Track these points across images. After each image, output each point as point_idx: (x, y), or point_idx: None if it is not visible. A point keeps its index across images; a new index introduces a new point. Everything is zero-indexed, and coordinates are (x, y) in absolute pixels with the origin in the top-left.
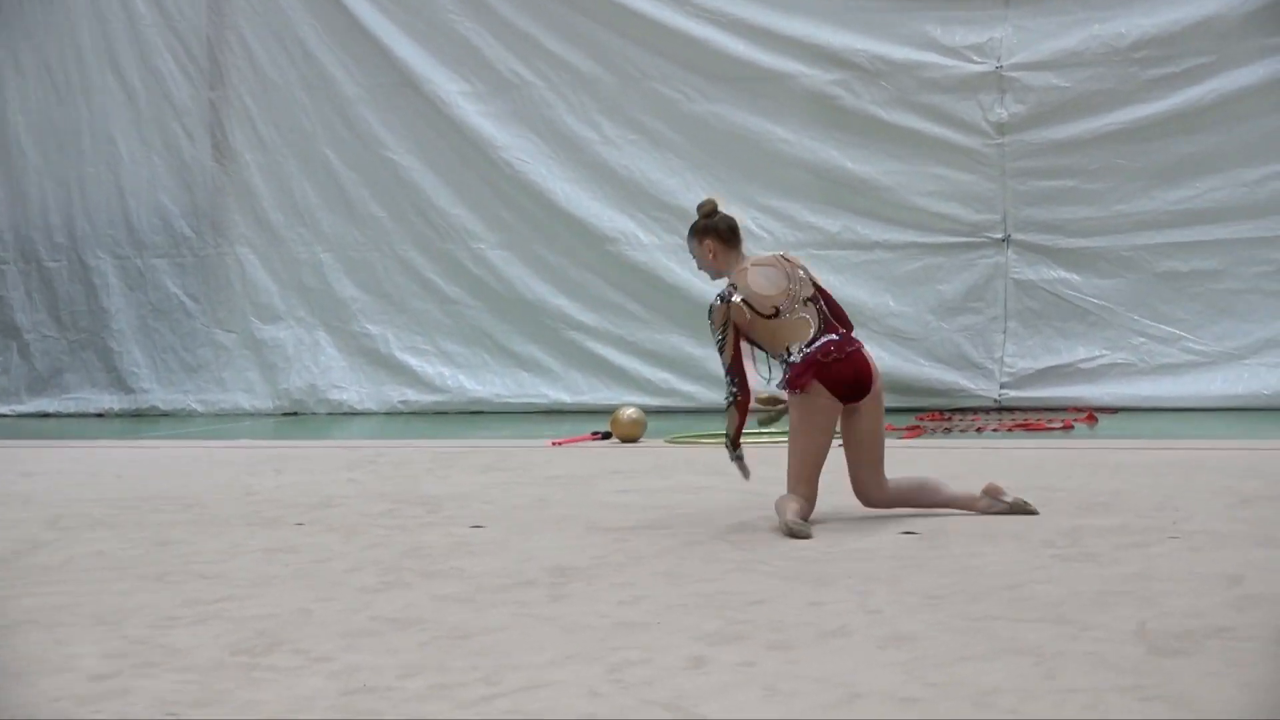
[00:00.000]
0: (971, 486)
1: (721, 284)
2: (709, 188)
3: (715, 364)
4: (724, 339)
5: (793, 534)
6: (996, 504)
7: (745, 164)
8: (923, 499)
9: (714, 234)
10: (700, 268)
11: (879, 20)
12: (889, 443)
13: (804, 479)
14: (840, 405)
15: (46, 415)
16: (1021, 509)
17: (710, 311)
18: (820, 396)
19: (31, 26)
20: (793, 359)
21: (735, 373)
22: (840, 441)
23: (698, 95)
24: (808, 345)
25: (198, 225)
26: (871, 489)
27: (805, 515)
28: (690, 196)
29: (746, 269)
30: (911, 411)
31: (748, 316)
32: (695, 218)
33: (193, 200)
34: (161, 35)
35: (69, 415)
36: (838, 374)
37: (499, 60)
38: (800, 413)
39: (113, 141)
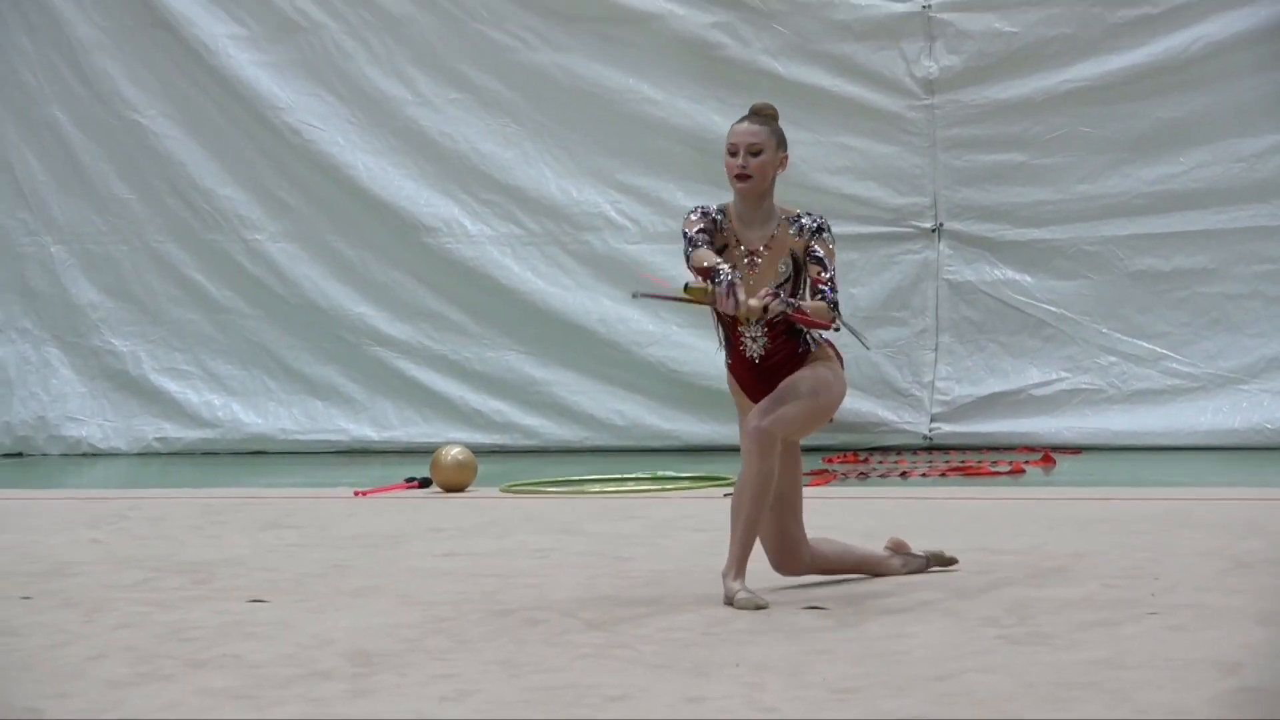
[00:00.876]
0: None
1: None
2: (556, 161)
3: (564, 389)
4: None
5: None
6: (911, 561)
7: (601, 131)
8: (832, 563)
9: (786, 146)
10: (757, 179)
11: None
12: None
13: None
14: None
15: None
16: (938, 560)
17: (828, 228)
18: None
19: None
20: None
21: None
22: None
23: (538, 41)
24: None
25: None
26: (799, 550)
27: None
28: (532, 172)
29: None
30: (819, 452)
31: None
32: (541, 202)
33: None
34: None
35: None
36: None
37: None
38: (835, 377)
39: None
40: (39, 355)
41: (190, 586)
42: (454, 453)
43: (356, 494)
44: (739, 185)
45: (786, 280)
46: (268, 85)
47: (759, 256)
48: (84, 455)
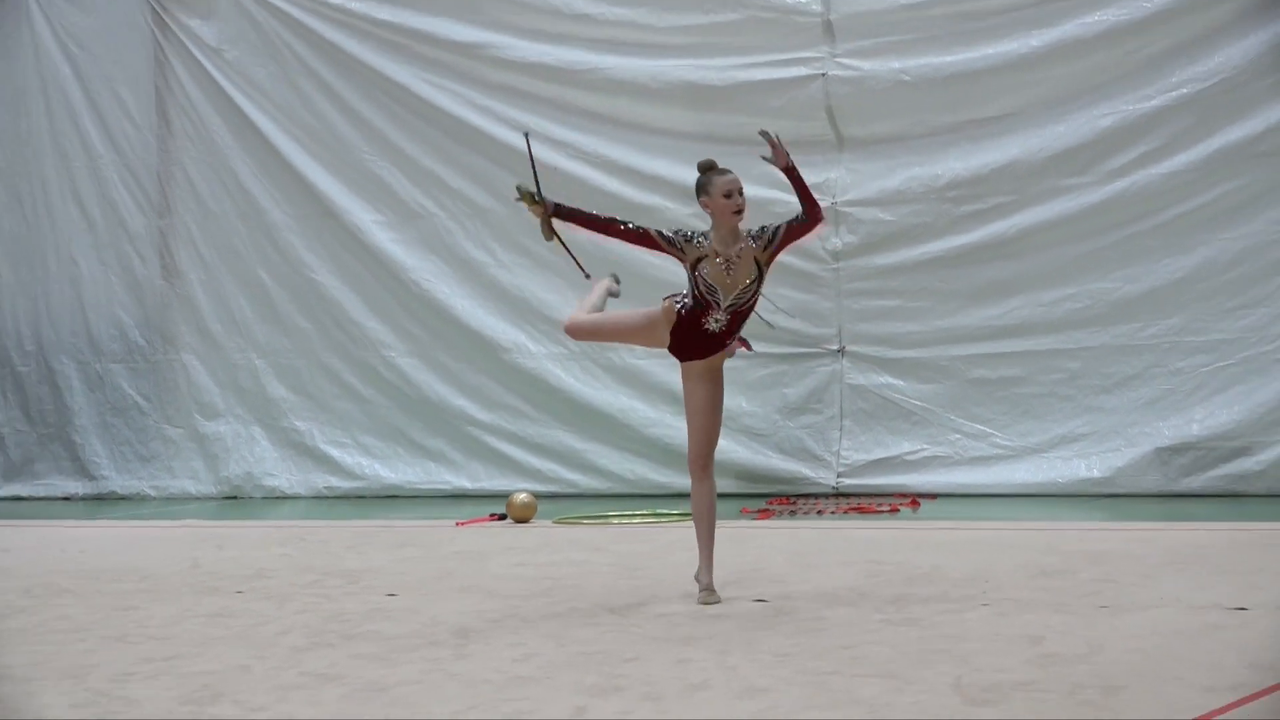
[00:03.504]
0: (813, 563)
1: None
2: None
3: (594, 455)
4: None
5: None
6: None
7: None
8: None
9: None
10: (740, 209)
11: (734, 163)
12: (745, 523)
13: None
14: None
15: (20, 499)
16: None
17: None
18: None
19: (4, 164)
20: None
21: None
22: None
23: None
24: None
25: (149, 335)
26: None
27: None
28: (569, 312)
29: None
30: (762, 497)
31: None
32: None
33: (144, 313)
34: (117, 171)
35: (39, 499)
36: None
37: (406, 193)
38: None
39: (75, 262)
40: (247, 432)
41: (346, 585)
42: (522, 496)
43: (458, 524)
44: (737, 218)
45: (756, 279)
46: (399, 254)
47: (733, 263)
48: (277, 498)
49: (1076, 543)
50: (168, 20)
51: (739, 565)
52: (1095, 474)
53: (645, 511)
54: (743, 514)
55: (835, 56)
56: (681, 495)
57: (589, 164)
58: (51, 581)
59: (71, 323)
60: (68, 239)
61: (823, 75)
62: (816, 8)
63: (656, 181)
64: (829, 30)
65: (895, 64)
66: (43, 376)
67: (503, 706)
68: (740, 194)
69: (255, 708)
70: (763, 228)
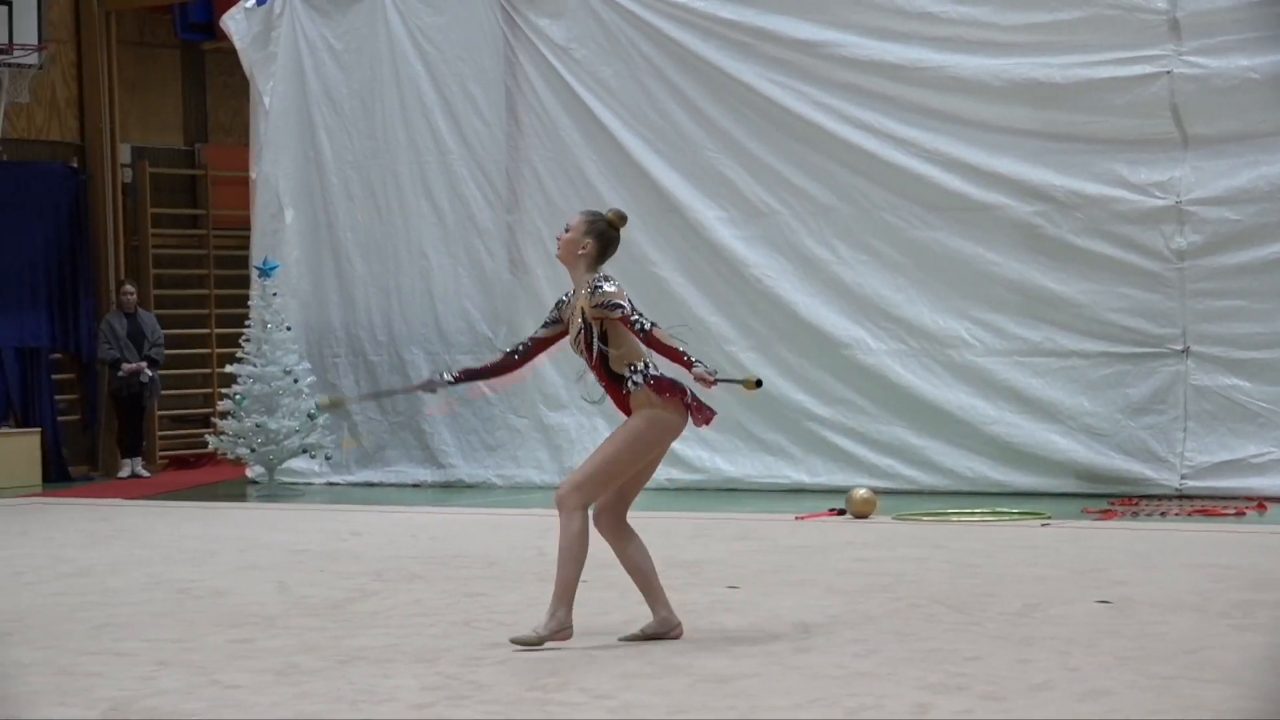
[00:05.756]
0: (1156, 565)
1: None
2: (928, 301)
3: (934, 452)
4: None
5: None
6: (653, 626)
7: (960, 282)
8: (631, 562)
9: (601, 239)
10: (563, 253)
11: (1075, 160)
12: (1087, 522)
13: (601, 486)
14: (676, 437)
15: (372, 485)
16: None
17: (603, 279)
18: (676, 423)
19: (359, 158)
20: (652, 372)
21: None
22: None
23: (919, 223)
24: (655, 368)
25: (495, 327)
26: (623, 520)
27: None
28: (913, 309)
29: (610, 276)
30: (1104, 497)
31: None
32: (918, 327)
33: (492, 306)
34: (467, 167)
35: (390, 485)
36: (707, 416)
37: (750, 191)
38: (647, 425)
39: (425, 256)
40: (589, 423)
41: (688, 577)
42: (862, 492)
43: (797, 518)
44: (561, 256)
45: (581, 329)
46: (742, 251)
47: (571, 307)
48: None
49: None
50: (518, 20)
51: (1081, 565)
52: None
53: (984, 510)
54: (1085, 514)
55: (1181, 54)
56: (1023, 494)
57: (930, 162)
58: (403, 566)
59: (421, 314)
60: (418, 233)
61: (1168, 73)
62: (1162, 5)
63: (998, 179)
64: (1175, 28)
65: (1243, 61)
66: (394, 366)
67: (845, 702)
68: (560, 234)
69: (600, 694)
70: (597, 287)
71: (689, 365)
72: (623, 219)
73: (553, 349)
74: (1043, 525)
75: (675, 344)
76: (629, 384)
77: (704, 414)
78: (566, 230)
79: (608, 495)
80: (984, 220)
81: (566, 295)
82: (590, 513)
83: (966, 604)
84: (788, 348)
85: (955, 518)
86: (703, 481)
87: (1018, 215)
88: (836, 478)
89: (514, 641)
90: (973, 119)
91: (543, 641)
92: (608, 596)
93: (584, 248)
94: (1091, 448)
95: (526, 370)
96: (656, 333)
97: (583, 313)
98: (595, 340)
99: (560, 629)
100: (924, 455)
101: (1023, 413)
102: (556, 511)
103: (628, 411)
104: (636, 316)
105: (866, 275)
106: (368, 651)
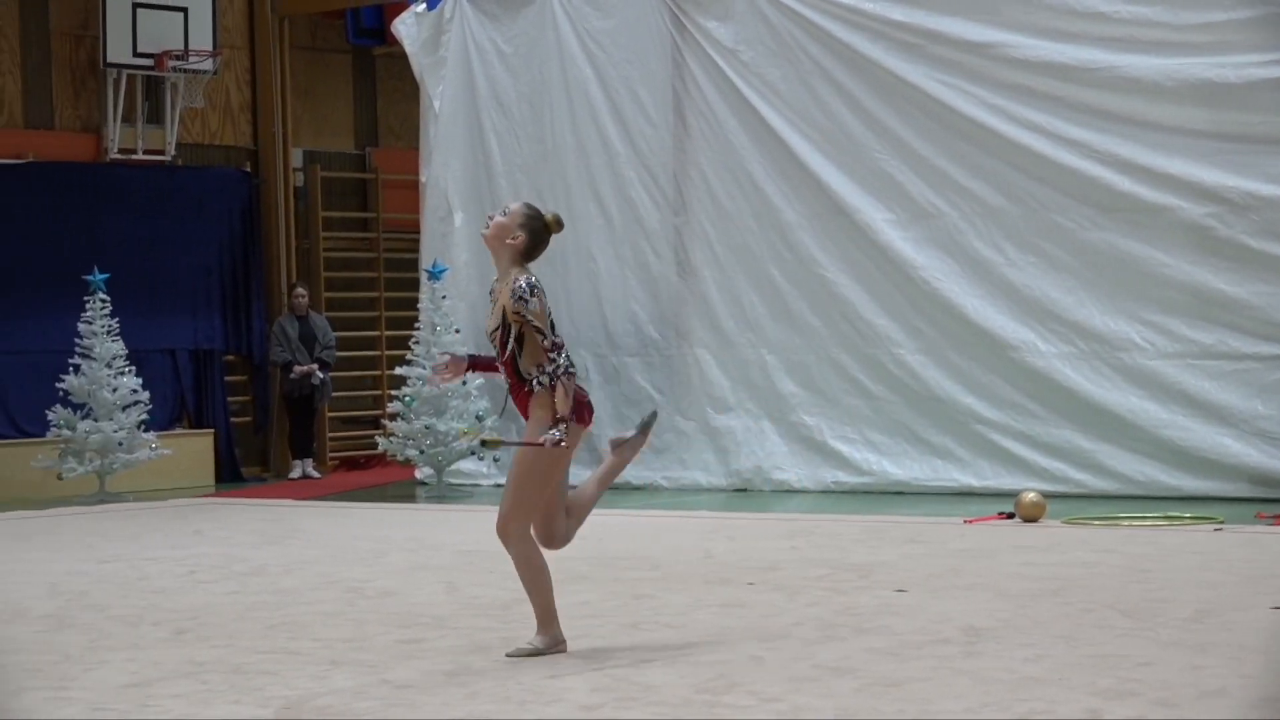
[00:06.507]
0: None
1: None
2: (1098, 304)
3: (1104, 456)
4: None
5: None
6: (631, 442)
7: (1131, 284)
8: (586, 504)
9: (534, 236)
10: (491, 235)
11: (1249, 161)
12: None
13: (531, 505)
14: (580, 437)
15: None
16: (646, 426)
17: (530, 290)
18: (577, 427)
19: (528, 162)
20: (548, 382)
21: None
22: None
23: (1090, 224)
24: (553, 372)
25: (663, 330)
26: (563, 531)
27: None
28: (1082, 311)
29: (537, 286)
30: (1279, 502)
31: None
32: (1089, 330)
33: (659, 309)
34: (635, 170)
35: None
36: (590, 417)
37: (918, 192)
38: (568, 446)
39: (593, 258)
40: (757, 426)
41: (856, 580)
42: (1031, 495)
43: (966, 522)
44: (488, 241)
45: (500, 326)
46: (909, 252)
47: (494, 297)
48: (785, 491)
49: None
50: (685, 23)
51: (1254, 571)
52: None
53: (1156, 514)
54: (1258, 519)
55: None
56: (1195, 499)
57: (1101, 163)
58: (570, 567)
59: (589, 317)
60: (586, 235)
61: None
62: None
63: (1169, 180)
64: None
65: None
66: None
67: (1015, 706)
68: (496, 213)
69: (768, 698)
70: (522, 297)
71: (554, 421)
72: (560, 225)
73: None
74: (1215, 530)
75: (561, 405)
76: (534, 384)
77: (590, 413)
78: (504, 213)
79: (538, 514)
80: (1155, 222)
81: (494, 285)
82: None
83: (1138, 609)
84: (956, 350)
85: (1126, 522)
86: (870, 484)
87: (1190, 217)
88: (1005, 481)
89: (511, 655)
90: (1144, 119)
91: (540, 654)
92: (774, 599)
93: (514, 238)
94: (1266, 451)
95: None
96: (562, 382)
97: (504, 310)
98: (511, 341)
99: (555, 644)
100: (1094, 459)
101: (1195, 416)
102: (503, 546)
103: (527, 411)
104: (554, 354)
105: (1036, 277)
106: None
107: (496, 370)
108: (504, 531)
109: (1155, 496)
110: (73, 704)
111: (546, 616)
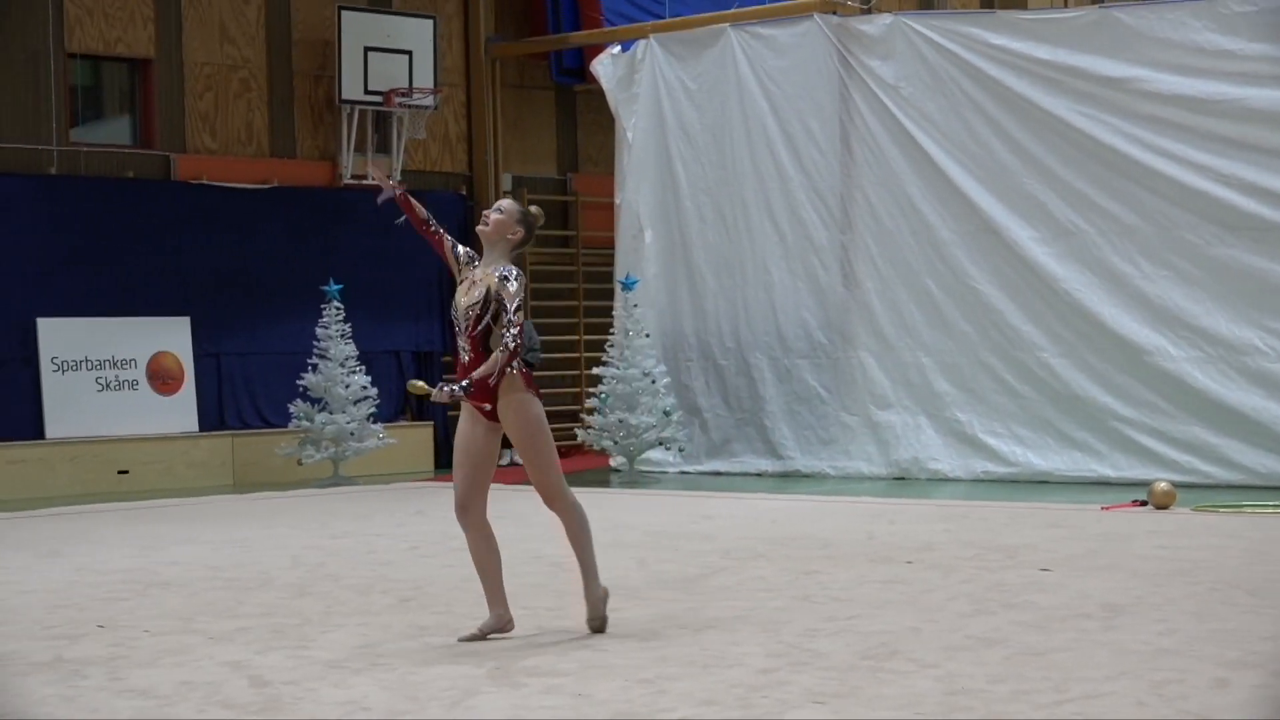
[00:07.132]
0: None
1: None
2: (1222, 311)
3: (1230, 450)
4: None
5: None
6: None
7: (1253, 295)
8: (484, 568)
9: (529, 231)
10: (492, 230)
11: None
12: None
13: (557, 468)
14: None
15: (719, 474)
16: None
17: (516, 275)
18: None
19: (711, 185)
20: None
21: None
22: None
23: (1217, 241)
24: (506, 343)
25: (830, 335)
26: (484, 514)
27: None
28: (1210, 321)
29: (520, 275)
30: None
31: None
32: (1215, 337)
33: (827, 316)
34: (805, 193)
35: (735, 474)
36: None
37: (1060, 213)
38: (534, 412)
39: (768, 271)
40: (914, 421)
41: (1004, 559)
42: (1163, 485)
43: (1103, 509)
44: (484, 233)
45: (481, 301)
46: (1052, 267)
47: (475, 284)
48: (939, 480)
49: None
50: (852, 61)
51: None
52: None
53: (1277, 503)
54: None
55: None
56: None
57: (1227, 186)
58: (748, 546)
59: (764, 323)
60: (762, 250)
61: None
62: None
63: None
64: None
65: None
66: (740, 369)
67: (1150, 676)
68: (492, 210)
69: (926, 664)
70: (505, 278)
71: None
72: (542, 218)
73: (443, 250)
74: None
75: (493, 367)
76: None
77: (487, 399)
78: (499, 211)
79: (469, 491)
80: (1276, 238)
81: (476, 261)
82: (456, 505)
83: (1261, 589)
84: (1094, 354)
85: (1251, 510)
86: (1016, 474)
87: None
88: (1139, 472)
89: (592, 625)
90: (1266, 146)
91: (604, 620)
92: (930, 576)
93: (514, 233)
94: None
95: (426, 237)
96: (502, 350)
97: (489, 288)
98: (487, 317)
99: (597, 606)
100: (1221, 452)
101: None
102: (557, 516)
103: (489, 394)
104: (512, 329)
105: (1167, 289)
106: (719, 621)
107: (422, 225)
108: (552, 498)
109: (1277, 487)
110: (312, 664)
111: (591, 574)
